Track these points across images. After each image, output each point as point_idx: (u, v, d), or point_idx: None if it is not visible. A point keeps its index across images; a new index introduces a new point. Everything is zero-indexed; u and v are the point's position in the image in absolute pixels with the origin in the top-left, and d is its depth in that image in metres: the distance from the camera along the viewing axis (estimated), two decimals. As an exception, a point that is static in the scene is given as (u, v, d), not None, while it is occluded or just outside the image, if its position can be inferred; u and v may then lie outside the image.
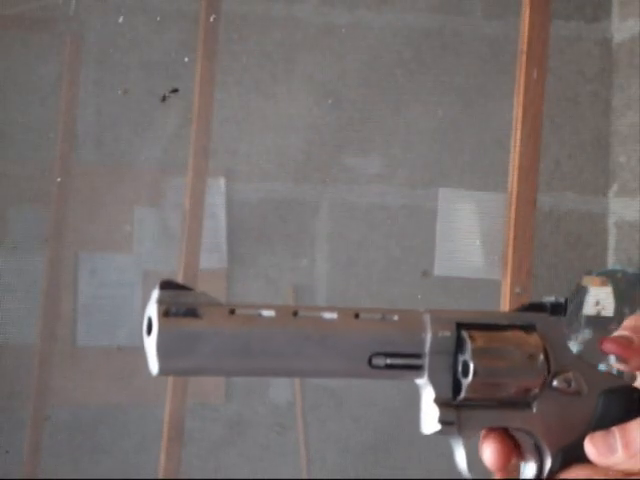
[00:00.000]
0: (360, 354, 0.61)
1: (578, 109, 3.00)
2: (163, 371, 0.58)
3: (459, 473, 0.63)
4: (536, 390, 0.63)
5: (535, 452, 0.64)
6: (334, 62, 2.79)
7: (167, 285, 0.59)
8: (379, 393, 2.91)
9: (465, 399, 0.62)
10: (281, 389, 2.84)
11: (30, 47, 2.59)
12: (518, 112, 1.75)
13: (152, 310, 0.58)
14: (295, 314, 0.60)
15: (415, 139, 2.87)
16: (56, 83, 2.60)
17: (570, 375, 0.64)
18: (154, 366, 0.58)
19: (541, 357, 0.63)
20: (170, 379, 2.07)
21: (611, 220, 3.01)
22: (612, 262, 2.95)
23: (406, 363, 0.62)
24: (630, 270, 2.83)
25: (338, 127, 2.82)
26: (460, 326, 0.62)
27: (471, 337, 0.62)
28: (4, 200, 2.64)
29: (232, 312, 0.59)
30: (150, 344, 0.58)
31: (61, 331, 2.65)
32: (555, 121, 2.94)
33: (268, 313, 0.60)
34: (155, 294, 0.59)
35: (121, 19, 2.58)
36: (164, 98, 2.54)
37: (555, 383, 0.63)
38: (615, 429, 0.62)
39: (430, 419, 0.62)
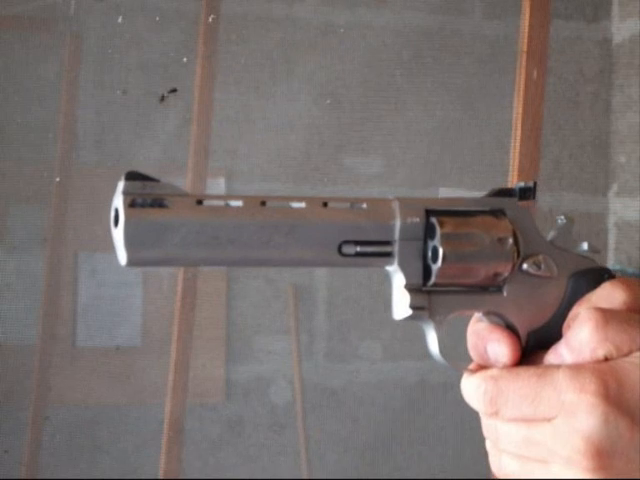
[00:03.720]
0: (330, 242, 0.61)
1: (578, 109, 3.00)
2: (131, 262, 0.58)
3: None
4: (506, 274, 0.63)
5: None
6: (334, 62, 2.79)
7: (133, 176, 0.59)
8: (379, 393, 2.91)
9: (435, 284, 0.62)
10: (281, 389, 2.84)
11: (30, 47, 2.59)
12: (518, 112, 1.75)
13: (118, 201, 0.58)
14: (263, 204, 0.60)
15: (415, 139, 2.87)
16: (56, 83, 2.60)
17: (540, 258, 0.64)
18: (122, 257, 0.58)
19: (510, 241, 0.63)
20: (170, 379, 2.07)
21: (611, 220, 3.01)
22: (612, 262, 2.95)
23: (376, 250, 0.62)
24: (630, 270, 2.83)
25: (338, 127, 2.82)
26: (429, 212, 0.62)
27: (440, 222, 0.62)
28: (4, 200, 2.64)
29: (199, 202, 0.59)
30: (117, 235, 0.58)
31: (61, 331, 2.65)
32: (555, 121, 2.94)
33: (236, 203, 0.60)
34: (121, 185, 0.58)
35: (120, 19, 2.58)
36: (163, 98, 2.54)
37: (525, 266, 0.64)
38: (561, 341, 0.62)
39: (401, 305, 0.63)
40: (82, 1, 2.58)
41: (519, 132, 1.77)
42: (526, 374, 0.61)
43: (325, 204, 0.61)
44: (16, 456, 2.53)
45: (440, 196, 2.87)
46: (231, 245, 0.59)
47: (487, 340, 0.64)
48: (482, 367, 0.64)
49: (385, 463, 2.89)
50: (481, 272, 0.62)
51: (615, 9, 3.01)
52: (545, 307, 0.64)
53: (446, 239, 0.61)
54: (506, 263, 0.63)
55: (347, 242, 0.61)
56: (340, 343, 2.89)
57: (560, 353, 0.62)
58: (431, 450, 2.90)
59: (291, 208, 0.61)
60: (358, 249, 0.61)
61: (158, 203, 0.58)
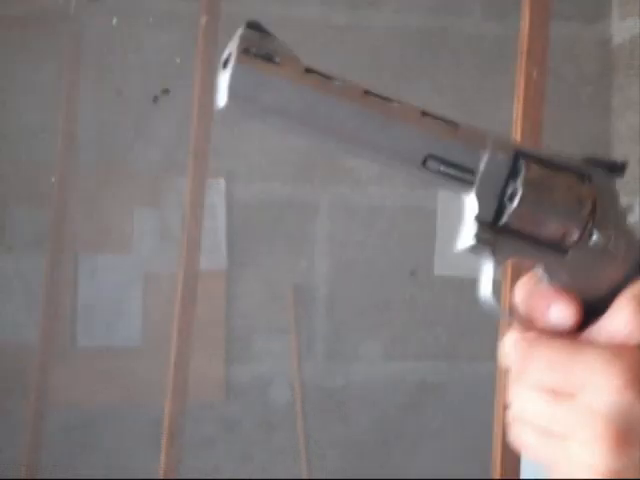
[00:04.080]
0: (417, 151, 0.61)
1: (578, 109, 3.00)
2: (229, 107, 0.58)
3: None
4: (575, 237, 0.62)
5: None
6: (334, 62, 2.78)
7: (254, 26, 0.60)
8: (379, 393, 2.91)
9: (505, 225, 0.62)
10: (281, 389, 2.84)
11: (30, 47, 2.59)
12: (518, 112, 1.75)
13: (233, 45, 0.58)
14: (366, 93, 0.60)
15: (415, 139, 2.86)
16: (56, 83, 2.61)
17: (611, 233, 0.64)
18: (222, 100, 0.58)
19: (589, 205, 0.63)
20: (170, 379, 2.07)
21: None
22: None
23: (458, 175, 0.62)
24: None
25: (338, 127, 2.81)
26: (519, 154, 0.62)
27: (527, 166, 0.62)
28: (4, 200, 2.64)
29: (308, 71, 0.59)
30: (224, 77, 0.58)
31: (61, 331, 2.65)
32: (555, 121, 2.94)
33: (341, 84, 0.59)
34: (240, 31, 0.59)
35: (120, 21, 2.58)
36: (155, 99, 2.54)
37: (594, 237, 0.63)
38: (599, 323, 0.62)
39: (467, 235, 0.62)
40: (82, 2, 2.58)
41: (519, 132, 1.77)
42: (561, 344, 0.61)
43: (424, 113, 0.61)
44: (16, 456, 2.53)
45: (440, 196, 2.87)
46: (324, 121, 0.59)
47: (552, 301, 0.63)
48: (527, 323, 0.63)
49: (385, 463, 2.89)
50: (552, 227, 0.62)
51: (615, 9, 3.01)
52: (601, 283, 0.63)
53: (528, 184, 0.61)
54: (578, 225, 0.62)
55: (433, 157, 0.61)
56: (340, 343, 2.89)
57: (598, 332, 0.62)
58: (431, 450, 2.90)
59: (391, 106, 0.61)
60: (442, 168, 0.61)
61: (270, 57, 0.59)
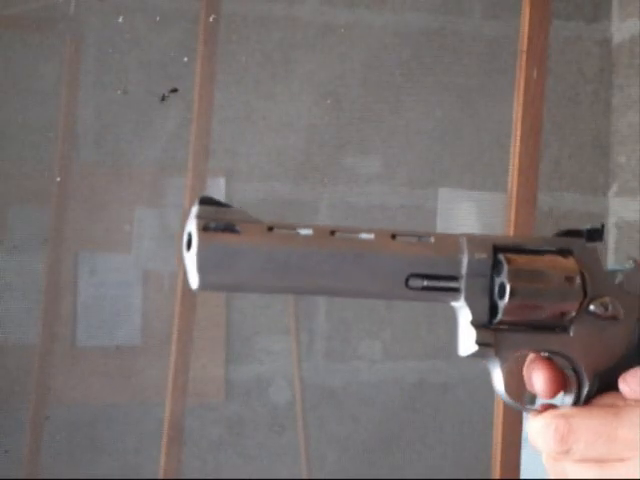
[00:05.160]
0: (397, 275, 0.61)
1: (578, 109, 3.00)
2: (203, 286, 0.58)
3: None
4: (573, 313, 0.63)
5: (573, 377, 0.64)
6: (334, 62, 2.79)
7: (206, 201, 0.60)
8: (379, 393, 2.91)
9: (502, 321, 0.62)
10: (281, 389, 2.84)
11: (30, 47, 2.59)
12: (518, 112, 1.75)
13: (192, 225, 0.59)
14: (332, 233, 0.60)
15: (415, 139, 2.87)
16: (56, 83, 2.60)
17: (607, 300, 0.64)
18: (194, 281, 0.59)
19: (578, 280, 0.63)
20: (170, 378, 2.07)
21: (611, 220, 3.01)
22: (612, 262, 2.95)
23: (443, 285, 0.62)
24: (630, 270, 2.82)
25: (337, 127, 2.82)
26: (497, 249, 0.62)
27: (507, 259, 0.62)
28: (4, 200, 2.63)
29: (270, 229, 0.60)
30: (190, 259, 0.58)
31: (61, 331, 2.65)
32: (555, 121, 2.94)
33: (306, 232, 0.60)
34: (195, 209, 0.59)
35: (121, 19, 2.58)
36: (163, 98, 2.54)
37: (592, 307, 0.63)
38: (633, 382, 0.62)
39: (467, 341, 0.62)
40: (82, 1, 2.58)
41: (519, 132, 1.77)
42: (600, 412, 0.60)
43: (393, 236, 0.61)
44: (16, 456, 2.52)
45: (440, 196, 2.87)
46: (299, 273, 0.59)
47: (531, 372, 0.64)
48: (549, 407, 0.63)
49: (385, 463, 2.89)
50: (547, 310, 0.62)
51: (615, 9, 3.01)
52: (612, 349, 0.63)
53: (513, 276, 0.61)
54: (573, 302, 0.62)
55: (414, 275, 0.61)
56: (340, 343, 2.88)
57: (633, 392, 0.61)
58: (431, 450, 2.90)
59: (360, 239, 0.61)
60: (425, 283, 0.61)
61: (230, 228, 0.59)
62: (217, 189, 2.77)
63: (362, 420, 2.89)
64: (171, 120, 2.65)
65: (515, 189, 1.83)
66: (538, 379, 0.62)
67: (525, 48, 1.72)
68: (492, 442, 1.70)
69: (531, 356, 0.64)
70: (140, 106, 2.68)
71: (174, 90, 2.52)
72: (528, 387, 0.63)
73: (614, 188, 2.99)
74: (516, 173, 1.82)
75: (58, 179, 2.59)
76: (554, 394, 0.62)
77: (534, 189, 1.85)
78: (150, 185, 2.75)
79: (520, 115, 1.75)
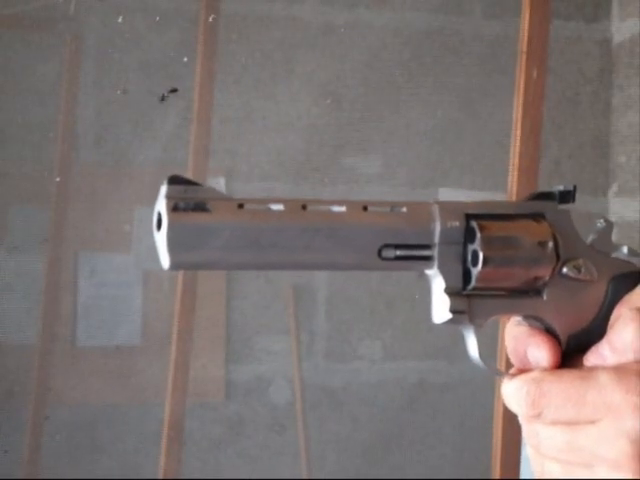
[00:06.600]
0: (370, 246, 0.61)
1: (578, 109, 3.00)
2: (174, 265, 0.58)
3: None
4: (546, 277, 0.63)
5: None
6: (334, 62, 2.79)
7: (175, 180, 0.59)
8: (379, 393, 2.91)
9: (475, 288, 0.62)
10: (281, 389, 2.84)
11: (30, 47, 2.59)
12: (518, 112, 1.75)
13: (161, 205, 0.58)
14: (304, 207, 0.60)
15: (415, 139, 2.87)
16: (56, 83, 2.60)
17: (580, 262, 0.64)
18: (165, 261, 0.58)
19: (550, 244, 0.63)
20: (170, 378, 2.07)
21: (611, 220, 3.00)
22: (612, 262, 2.95)
23: (416, 254, 0.62)
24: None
25: (337, 127, 2.82)
26: (469, 216, 0.62)
27: (480, 226, 0.62)
28: (4, 200, 2.64)
29: (241, 206, 0.60)
30: (160, 239, 0.58)
31: (61, 331, 2.65)
32: (555, 121, 2.94)
33: (277, 207, 0.60)
34: (163, 189, 0.59)
35: (121, 19, 2.58)
36: (163, 98, 2.54)
37: (565, 270, 0.64)
38: (603, 341, 0.62)
39: (441, 309, 0.63)
40: (82, 1, 2.58)
41: (519, 132, 1.77)
42: (570, 376, 0.60)
43: (365, 208, 0.61)
44: (16, 456, 2.53)
45: (440, 196, 2.87)
46: (272, 249, 0.59)
47: (527, 344, 0.63)
48: (523, 371, 0.63)
49: (385, 463, 2.89)
50: (521, 275, 0.62)
51: (615, 9, 3.01)
52: (585, 311, 0.64)
53: (486, 242, 0.61)
54: (546, 267, 0.63)
55: (387, 246, 0.61)
56: (340, 343, 2.89)
57: (602, 354, 0.61)
58: (431, 450, 2.90)
59: (332, 212, 0.61)
60: (398, 253, 0.61)
61: (200, 207, 0.59)
62: (217, 188, 2.76)
63: (362, 420, 2.89)
64: (171, 120, 2.65)
65: (515, 189, 1.83)
66: (539, 352, 0.62)
67: (525, 48, 1.72)
68: (492, 442, 1.70)
69: (518, 328, 0.64)
70: (140, 106, 2.68)
71: (174, 90, 2.52)
72: (516, 358, 0.63)
73: (614, 188, 2.99)
74: (516, 173, 1.82)
75: (58, 179, 2.59)
76: (557, 364, 0.62)
77: (534, 189, 1.85)
78: (150, 185, 2.74)
79: (520, 115, 1.75)
